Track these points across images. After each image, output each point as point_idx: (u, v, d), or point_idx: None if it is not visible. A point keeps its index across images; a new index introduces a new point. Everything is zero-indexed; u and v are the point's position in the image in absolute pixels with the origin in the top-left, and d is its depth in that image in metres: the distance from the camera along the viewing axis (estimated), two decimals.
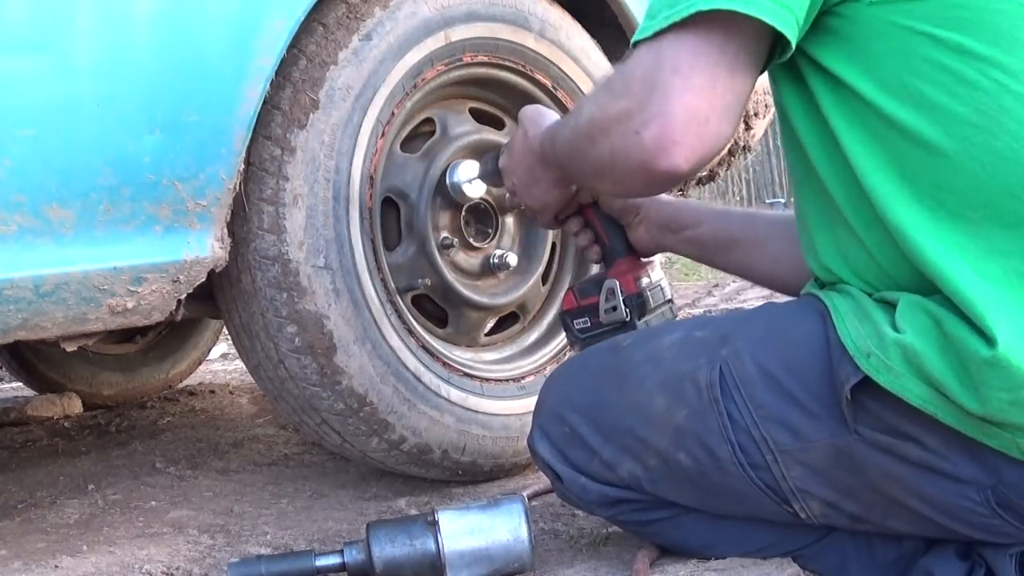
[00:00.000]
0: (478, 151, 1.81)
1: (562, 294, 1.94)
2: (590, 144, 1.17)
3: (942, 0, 1.03)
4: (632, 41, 1.11)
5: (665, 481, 1.23)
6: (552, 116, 1.40)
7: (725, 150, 2.36)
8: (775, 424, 1.14)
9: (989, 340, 0.99)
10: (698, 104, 1.04)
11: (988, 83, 1.02)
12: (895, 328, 1.06)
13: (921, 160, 1.05)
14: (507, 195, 1.80)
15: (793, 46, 1.05)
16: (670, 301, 1.50)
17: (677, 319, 1.48)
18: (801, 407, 1.12)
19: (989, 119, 1.02)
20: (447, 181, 1.75)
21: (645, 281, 1.48)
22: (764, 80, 2.28)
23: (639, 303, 1.46)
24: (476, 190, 1.77)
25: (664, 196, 1.51)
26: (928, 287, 1.06)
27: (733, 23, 1.03)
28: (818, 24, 1.08)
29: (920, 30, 1.04)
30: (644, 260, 1.52)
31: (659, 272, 1.53)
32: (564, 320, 1.55)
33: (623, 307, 1.45)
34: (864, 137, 1.08)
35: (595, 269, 1.89)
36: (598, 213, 1.50)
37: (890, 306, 1.09)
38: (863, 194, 1.09)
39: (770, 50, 1.07)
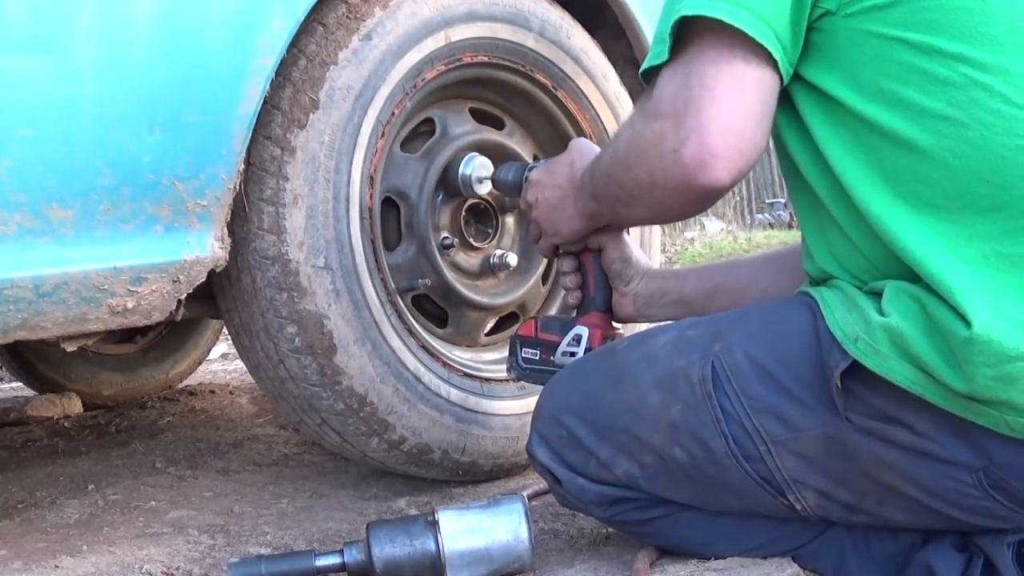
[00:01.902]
0: (478, 151, 1.81)
1: (563, 294, 1.95)
2: (627, 170, 1.20)
3: (911, 5, 1.07)
4: (643, 68, 1.15)
5: (661, 478, 1.23)
6: (598, 152, 1.41)
7: None
8: (767, 415, 1.15)
9: (966, 322, 1.02)
10: (731, 115, 1.08)
11: (958, 78, 1.06)
12: (881, 313, 1.08)
13: (899, 157, 1.09)
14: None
15: (775, 56, 1.08)
16: None
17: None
18: (792, 397, 1.14)
19: (961, 111, 1.06)
20: (458, 171, 1.75)
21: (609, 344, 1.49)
22: None
23: None
24: (485, 187, 1.77)
25: (656, 269, 1.53)
26: (914, 276, 1.08)
27: (743, 36, 1.07)
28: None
29: (893, 35, 1.08)
30: (615, 325, 1.52)
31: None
32: (513, 343, 1.55)
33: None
34: (845, 141, 1.12)
35: None
36: (595, 263, 1.51)
37: (876, 295, 1.11)
38: (845, 194, 1.12)
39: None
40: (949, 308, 1.03)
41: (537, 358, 1.51)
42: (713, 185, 1.09)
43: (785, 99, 1.16)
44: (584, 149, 1.43)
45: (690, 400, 1.19)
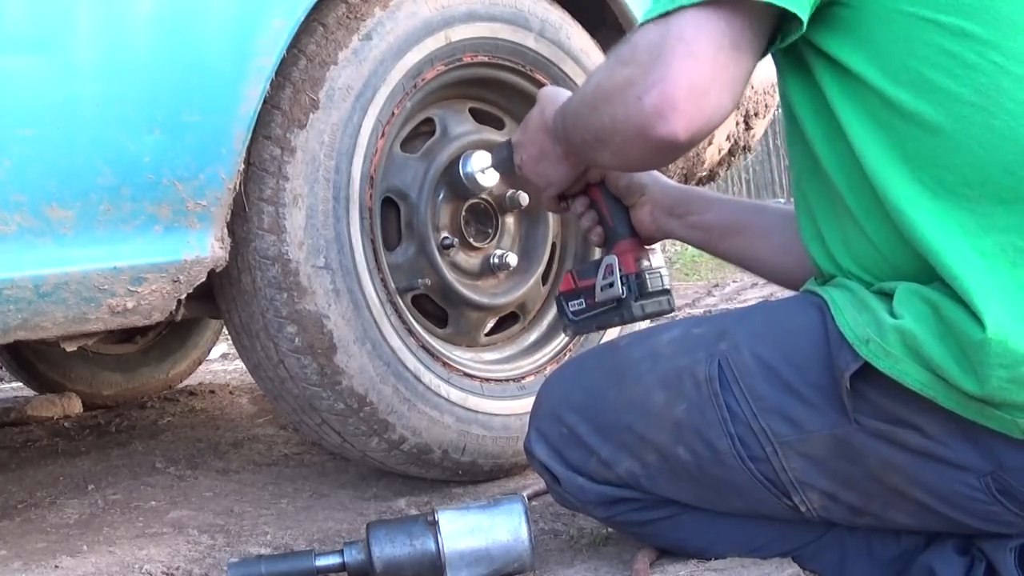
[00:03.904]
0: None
1: None
2: (592, 111, 1.18)
3: None
4: (640, 21, 1.12)
5: (664, 478, 1.23)
6: (568, 95, 1.39)
7: (726, 150, 2.36)
8: (774, 415, 1.14)
9: (981, 323, 1.01)
10: (700, 72, 1.05)
11: (987, 65, 1.05)
12: (893, 315, 1.07)
13: (921, 140, 1.08)
14: (509, 193, 1.81)
15: (804, 26, 1.06)
16: (668, 291, 1.47)
17: (674, 314, 1.47)
18: (800, 398, 1.13)
19: (988, 99, 1.05)
20: (460, 171, 1.75)
21: (645, 264, 1.46)
22: (764, 79, 2.27)
23: (637, 283, 1.43)
24: (490, 179, 1.76)
25: (670, 181, 1.50)
26: (927, 273, 1.07)
27: (742, 4, 1.05)
28: (826, 15, 1.10)
29: (924, 16, 1.06)
30: (647, 247, 1.49)
31: (660, 259, 1.51)
32: (559, 302, 1.53)
33: (620, 284, 1.42)
34: (867, 122, 1.10)
35: None
36: (604, 193, 1.48)
37: (887, 296, 1.10)
38: (865, 180, 1.11)
39: (772, 34, 1.09)
40: (963, 309, 1.02)
41: (584, 306, 1.48)
42: (667, 138, 1.07)
43: (807, 76, 1.14)
44: (551, 95, 1.40)
45: (696, 399, 1.18)
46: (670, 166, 2.19)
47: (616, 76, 1.12)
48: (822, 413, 1.12)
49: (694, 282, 6.02)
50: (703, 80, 1.05)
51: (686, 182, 2.36)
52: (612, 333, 1.87)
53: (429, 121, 1.81)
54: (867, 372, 1.08)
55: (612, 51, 1.23)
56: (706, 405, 1.17)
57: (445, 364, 1.73)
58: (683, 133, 1.07)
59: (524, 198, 1.81)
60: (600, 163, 1.33)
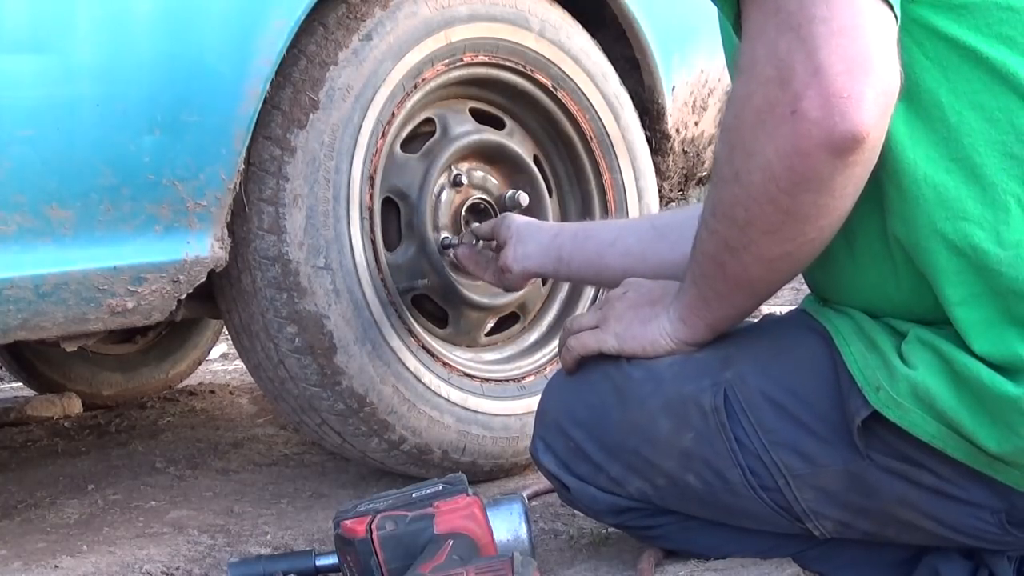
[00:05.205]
0: (478, 151, 1.81)
1: (562, 295, 1.95)
2: (732, 183, 0.99)
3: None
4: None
5: (675, 499, 1.21)
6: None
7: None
8: (786, 449, 1.11)
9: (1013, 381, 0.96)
10: (857, 48, 0.88)
11: None
12: (904, 360, 1.03)
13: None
14: (509, 193, 1.81)
15: None
16: None
17: None
18: (812, 433, 1.10)
19: None
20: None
21: None
22: None
23: None
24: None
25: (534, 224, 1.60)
26: (936, 315, 1.03)
27: None
28: None
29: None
30: None
31: None
32: None
33: None
34: None
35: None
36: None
37: (896, 333, 1.07)
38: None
39: None
40: (984, 363, 0.98)
41: None
42: (854, 132, 0.87)
43: None
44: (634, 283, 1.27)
45: (703, 429, 1.15)
46: (672, 165, 2.18)
47: (745, 114, 0.96)
48: (834, 448, 1.09)
49: None
50: (862, 55, 0.91)
51: (687, 181, 2.36)
52: None
53: (429, 121, 1.81)
54: (878, 415, 1.05)
55: (721, 117, 1.11)
56: (714, 436, 1.14)
57: (445, 364, 1.73)
58: (869, 116, 0.90)
59: (524, 198, 1.81)
60: (758, 260, 1.05)
